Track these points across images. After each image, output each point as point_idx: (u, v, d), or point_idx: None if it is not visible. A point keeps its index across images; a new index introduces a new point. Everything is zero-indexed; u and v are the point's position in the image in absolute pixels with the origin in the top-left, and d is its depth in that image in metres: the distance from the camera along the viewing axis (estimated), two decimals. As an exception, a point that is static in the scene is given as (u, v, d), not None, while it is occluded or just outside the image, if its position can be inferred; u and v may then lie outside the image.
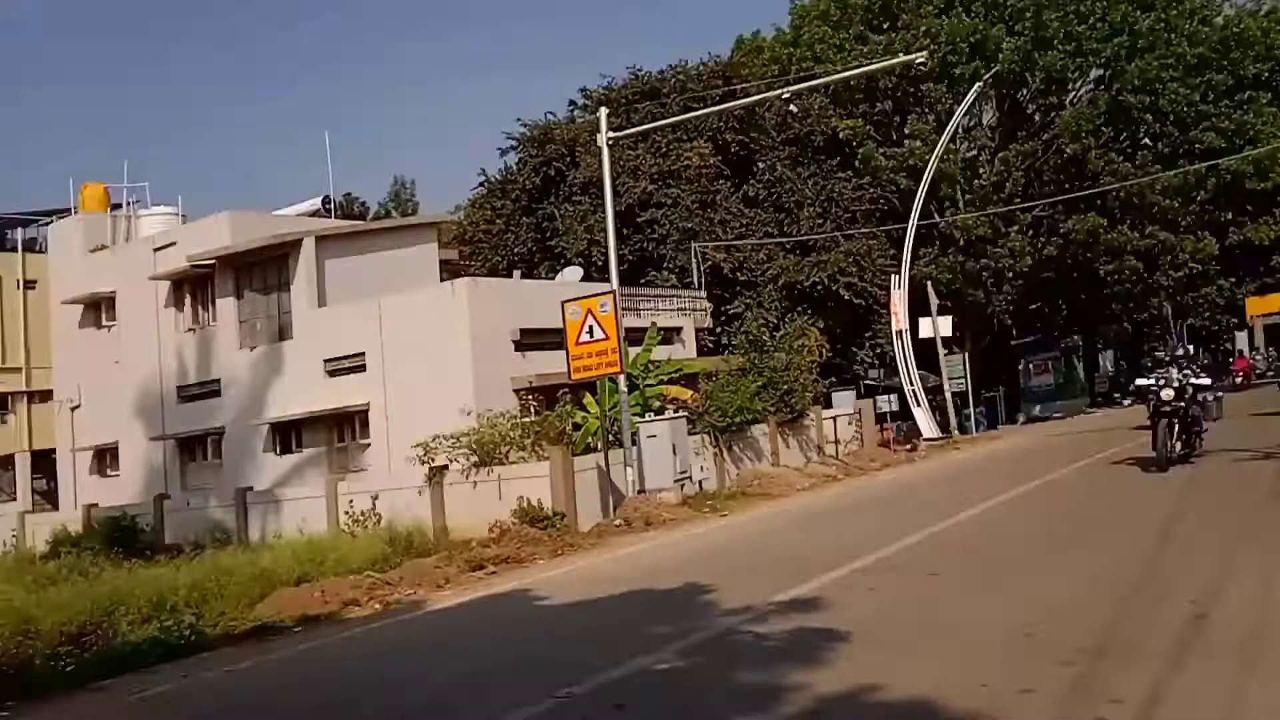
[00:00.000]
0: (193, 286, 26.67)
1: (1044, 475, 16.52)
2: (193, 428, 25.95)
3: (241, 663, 9.39)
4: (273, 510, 20.35)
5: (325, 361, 22.99)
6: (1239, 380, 35.03)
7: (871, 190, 33.48)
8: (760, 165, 31.79)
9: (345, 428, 23.34)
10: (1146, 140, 37.74)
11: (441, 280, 25.38)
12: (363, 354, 22.31)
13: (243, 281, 25.45)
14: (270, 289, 25.03)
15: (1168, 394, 14.84)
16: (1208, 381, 16.24)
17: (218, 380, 25.54)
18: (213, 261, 25.18)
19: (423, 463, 17.64)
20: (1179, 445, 15.11)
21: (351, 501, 18.06)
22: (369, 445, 22.38)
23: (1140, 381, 16.91)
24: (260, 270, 25.14)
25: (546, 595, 10.95)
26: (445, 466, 17.66)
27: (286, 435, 24.23)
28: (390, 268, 24.86)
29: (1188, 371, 15.64)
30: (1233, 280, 45.13)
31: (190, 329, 26.63)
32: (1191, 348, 39.40)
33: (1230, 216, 41.72)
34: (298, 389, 23.30)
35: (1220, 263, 41.37)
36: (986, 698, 5.44)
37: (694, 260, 28.93)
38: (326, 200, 31.25)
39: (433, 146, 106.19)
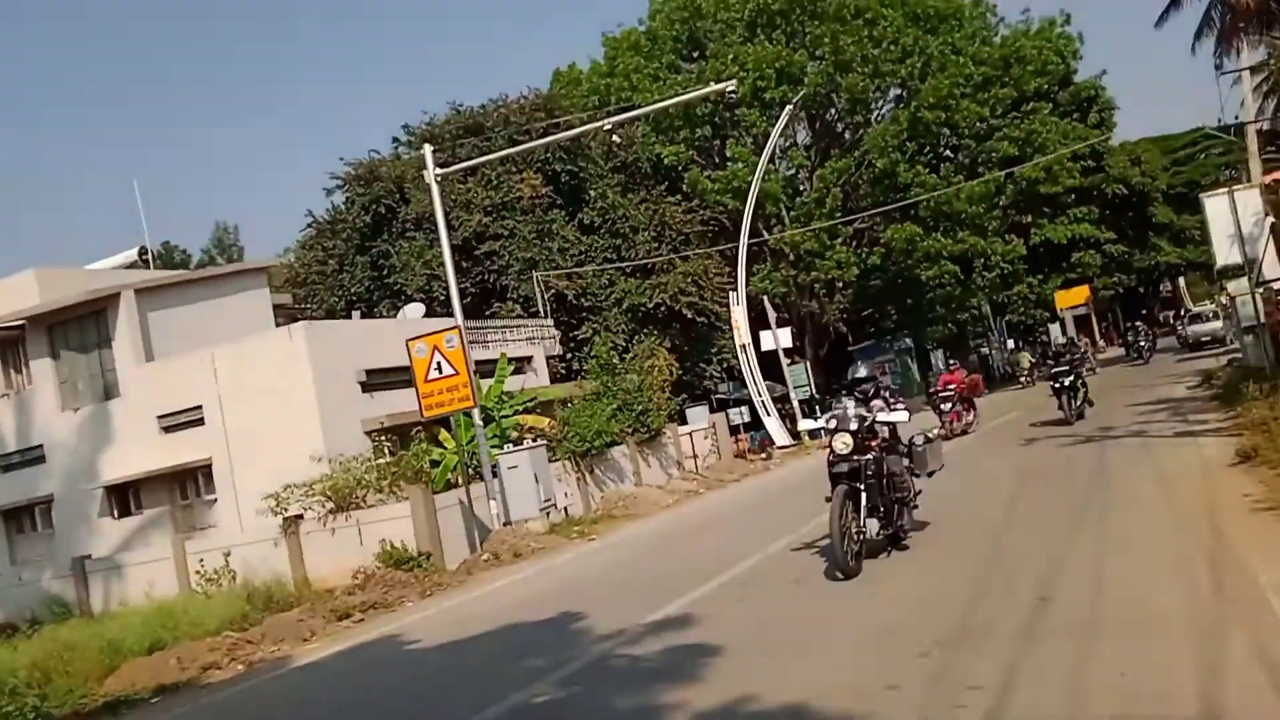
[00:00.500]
0: (2, 350, 24.92)
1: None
2: (17, 498, 24.22)
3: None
4: (116, 577, 19.36)
5: (159, 418, 21.85)
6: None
7: (701, 212, 34.22)
8: (592, 193, 31.99)
9: (188, 484, 22.20)
10: (948, 152, 40.18)
11: (277, 325, 24.51)
12: (200, 407, 21.30)
13: (58, 341, 23.93)
14: (90, 347, 23.59)
15: (842, 444, 9.41)
16: (904, 415, 10.09)
17: (40, 446, 23.94)
18: (22, 322, 23.64)
19: (275, 514, 17.13)
20: (875, 526, 9.49)
21: (202, 560, 17.38)
22: (215, 501, 21.37)
23: (805, 424, 10.77)
24: (77, 328, 23.69)
25: (418, 638, 10.86)
26: (300, 516, 17.21)
27: (124, 497, 22.85)
28: (221, 316, 23.91)
29: (877, 402, 10.10)
30: (1040, 277, 48.94)
31: (4, 394, 24.86)
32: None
33: (1030, 219, 45.18)
34: (132, 448, 22.07)
35: (1028, 262, 44.66)
36: (857, 697, 5.67)
37: (537, 289, 28.89)
38: (143, 251, 29.77)
39: (253, 190, 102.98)
